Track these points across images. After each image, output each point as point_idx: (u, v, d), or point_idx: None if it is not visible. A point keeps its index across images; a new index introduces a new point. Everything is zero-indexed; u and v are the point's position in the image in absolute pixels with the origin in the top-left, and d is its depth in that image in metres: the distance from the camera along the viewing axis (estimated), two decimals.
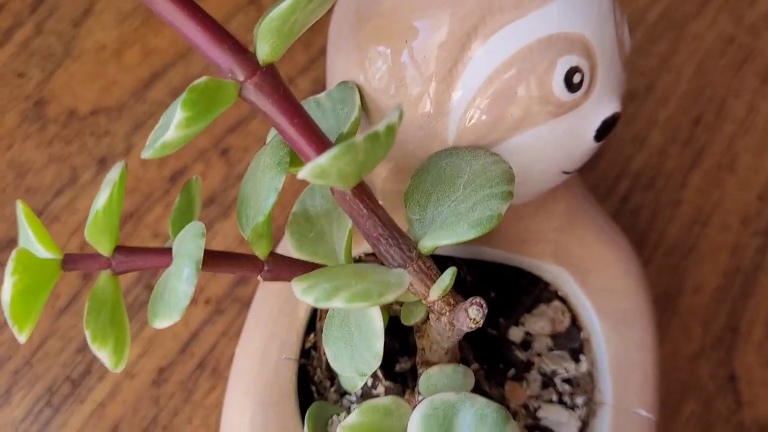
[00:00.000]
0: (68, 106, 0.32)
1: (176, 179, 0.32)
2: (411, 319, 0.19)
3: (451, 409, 0.17)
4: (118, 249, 0.18)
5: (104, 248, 0.18)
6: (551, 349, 0.23)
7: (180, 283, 0.16)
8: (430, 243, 0.17)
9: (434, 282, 0.18)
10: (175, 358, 0.29)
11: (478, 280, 0.23)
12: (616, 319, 0.22)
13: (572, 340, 0.22)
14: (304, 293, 0.16)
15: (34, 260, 0.17)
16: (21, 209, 0.17)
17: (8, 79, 0.33)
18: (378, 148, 0.15)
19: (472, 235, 0.17)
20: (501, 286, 0.23)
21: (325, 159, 0.14)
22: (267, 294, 0.21)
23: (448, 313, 0.18)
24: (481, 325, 0.17)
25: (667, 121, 0.35)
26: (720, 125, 0.35)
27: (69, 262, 0.17)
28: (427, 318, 0.19)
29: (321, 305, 0.16)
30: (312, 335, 0.21)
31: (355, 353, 0.18)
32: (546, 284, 0.23)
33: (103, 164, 0.31)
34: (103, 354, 0.18)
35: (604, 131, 0.19)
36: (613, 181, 0.34)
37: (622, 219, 0.33)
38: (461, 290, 0.22)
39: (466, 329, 0.17)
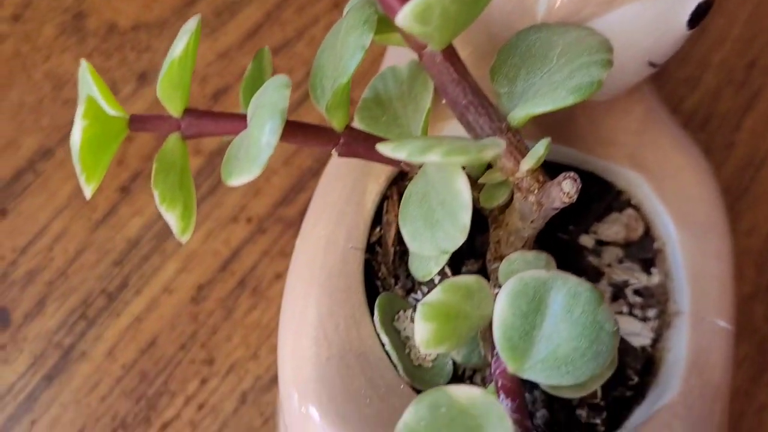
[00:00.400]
0: (108, 20, 0.31)
1: (218, 97, 0.31)
2: (494, 201, 0.18)
3: (542, 286, 0.16)
4: (188, 111, 0.17)
5: (175, 108, 0.17)
6: (621, 261, 0.22)
7: (262, 135, 0.15)
8: (522, 113, 0.16)
9: (524, 157, 0.16)
10: (215, 276, 0.28)
11: None
12: (693, 228, 0.21)
13: (644, 251, 0.21)
14: (394, 150, 0.15)
15: (102, 113, 0.16)
16: (85, 68, 0.16)
17: None
18: None
19: (570, 101, 0.16)
20: None
21: None
22: (333, 181, 0.20)
23: (537, 191, 0.17)
24: (574, 200, 0.16)
25: (721, 63, 0.34)
26: None
27: (136, 121, 0.16)
28: (510, 202, 0.18)
29: (415, 159, 0.14)
30: (378, 229, 0.20)
31: (437, 229, 0.16)
32: (619, 192, 0.22)
33: (143, 78, 0.30)
34: (171, 217, 0.17)
35: (697, 17, 0.18)
36: None
37: None
38: None
39: (559, 204, 0.16)
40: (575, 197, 0.16)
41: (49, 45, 0.31)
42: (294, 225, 0.29)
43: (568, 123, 0.21)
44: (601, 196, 0.22)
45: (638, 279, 0.21)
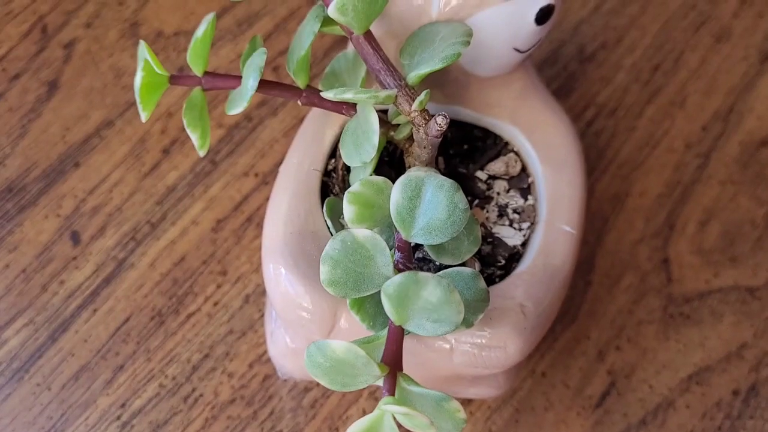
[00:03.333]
0: (156, 28, 0.42)
1: None
2: (401, 134, 0.27)
3: (420, 180, 0.25)
4: (207, 73, 0.27)
5: (198, 70, 0.27)
6: (507, 191, 0.31)
7: (248, 82, 0.25)
8: (414, 73, 0.26)
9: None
10: (230, 214, 0.38)
11: (455, 136, 0.31)
12: (554, 165, 0.30)
13: (522, 182, 0.31)
14: (326, 94, 0.24)
15: (153, 70, 0.26)
16: (143, 45, 0.26)
17: (111, 5, 0.42)
18: None
19: (440, 65, 0.25)
20: (473, 142, 0.31)
21: None
22: (305, 128, 0.30)
23: (424, 125, 0.26)
24: (444, 130, 0.25)
25: (632, 66, 0.43)
26: (676, 71, 0.43)
27: (174, 78, 0.26)
28: (412, 137, 0.28)
29: (338, 98, 0.24)
30: (333, 160, 0.30)
31: (360, 147, 0.26)
32: (506, 143, 0.31)
33: (181, 71, 0.41)
34: (194, 136, 0.26)
35: (543, 17, 0.28)
36: (582, 108, 0.42)
37: (585, 138, 0.41)
38: (444, 144, 0.31)
39: (436, 132, 0.26)
40: (445, 127, 0.25)
41: (112, 45, 0.41)
42: None
43: (465, 91, 0.30)
44: (492, 145, 0.31)
45: (516, 202, 0.31)
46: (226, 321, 0.36)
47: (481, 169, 0.31)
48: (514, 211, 0.30)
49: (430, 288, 0.22)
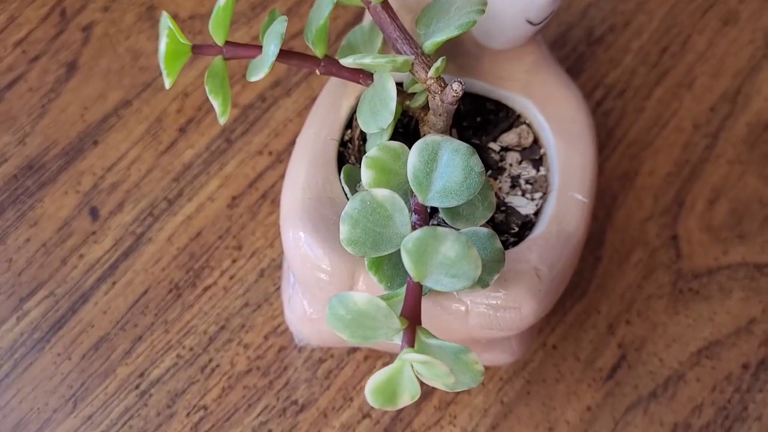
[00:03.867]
0: (172, 11, 0.42)
1: None
2: (417, 102, 0.28)
3: (437, 145, 0.26)
4: (228, 42, 0.27)
5: (219, 39, 0.27)
6: (520, 162, 0.32)
7: (269, 49, 0.25)
8: (430, 41, 0.27)
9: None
10: (245, 191, 0.38)
11: (469, 108, 0.32)
12: (566, 137, 0.31)
13: (534, 153, 0.31)
14: (345, 61, 0.25)
15: (176, 39, 0.26)
16: (166, 16, 0.27)
17: None
18: None
19: (456, 32, 0.26)
20: (485, 114, 0.32)
21: None
22: (322, 100, 0.31)
23: (440, 92, 0.27)
24: (460, 96, 0.26)
25: (640, 49, 0.44)
26: (684, 54, 0.44)
27: (196, 48, 0.27)
28: (427, 106, 0.28)
29: (357, 63, 0.25)
30: (349, 131, 0.31)
31: (377, 114, 0.27)
32: (518, 116, 0.32)
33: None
34: (216, 103, 0.27)
35: None
36: (591, 89, 0.43)
37: (595, 118, 0.42)
38: (458, 116, 0.32)
39: (452, 99, 0.26)
40: (461, 93, 0.26)
41: (129, 28, 0.42)
42: None
43: (478, 64, 0.31)
44: (505, 117, 0.32)
45: (529, 173, 0.31)
46: (242, 294, 0.36)
47: (494, 140, 0.32)
48: (527, 181, 0.31)
49: (449, 243, 0.22)
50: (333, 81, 0.31)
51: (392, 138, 0.30)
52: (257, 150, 0.39)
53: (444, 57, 0.26)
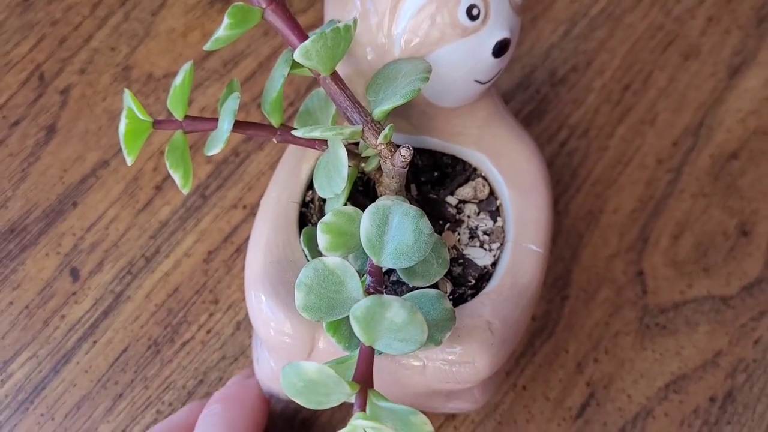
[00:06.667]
0: (147, 71, 0.44)
1: None
2: (370, 165, 0.29)
3: (388, 209, 0.27)
4: (187, 116, 0.29)
5: (179, 114, 0.28)
6: (478, 213, 0.33)
7: (224, 125, 0.27)
8: (378, 109, 0.28)
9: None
10: (220, 245, 0.40)
11: (426, 163, 0.33)
12: (520, 189, 0.32)
13: (490, 205, 0.32)
14: (297, 132, 0.26)
15: (136, 117, 0.28)
16: (127, 93, 0.28)
17: (104, 51, 0.44)
18: (341, 39, 0.26)
19: (401, 101, 0.27)
20: (442, 168, 0.33)
21: (307, 42, 0.25)
22: (283, 163, 0.32)
23: (390, 156, 0.28)
24: (409, 161, 0.27)
25: (602, 88, 0.45)
26: (646, 91, 0.45)
27: (157, 123, 0.28)
28: (380, 168, 0.29)
29: (307, 135, 0.26)
30: (310, 192, 0.32)
31: (331, 179, 0.28)
32: (474, 168, 0.33)
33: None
34: (177, 176, 0.28)
35: (498, 50, 0.30)
36: (555, 131, 0.44)
37: (559, 159, 0.43)
38: (414, 170, 0.33)
39: (401, 164, 0.27)
40: (409, 159, 0.27)
41: (105, 89, 0.43)
42: None
43: (432, 122, 0.32)
44: (461, 171, 0.33)
45: (486, 224, 0.32)
46: (219, 347, 0.37)
47: (452, 194, 0.33)
48: (484, 232, 0.32)
49: (394, 310, 0.24)
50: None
51: (352, 196, 0.31)
52: (232, 204, 0.41)
53: (391, 125, 0.27)
